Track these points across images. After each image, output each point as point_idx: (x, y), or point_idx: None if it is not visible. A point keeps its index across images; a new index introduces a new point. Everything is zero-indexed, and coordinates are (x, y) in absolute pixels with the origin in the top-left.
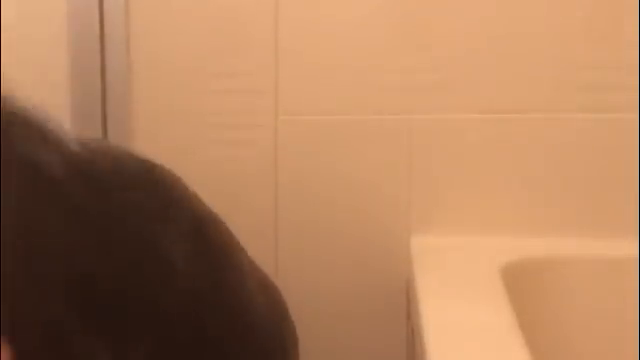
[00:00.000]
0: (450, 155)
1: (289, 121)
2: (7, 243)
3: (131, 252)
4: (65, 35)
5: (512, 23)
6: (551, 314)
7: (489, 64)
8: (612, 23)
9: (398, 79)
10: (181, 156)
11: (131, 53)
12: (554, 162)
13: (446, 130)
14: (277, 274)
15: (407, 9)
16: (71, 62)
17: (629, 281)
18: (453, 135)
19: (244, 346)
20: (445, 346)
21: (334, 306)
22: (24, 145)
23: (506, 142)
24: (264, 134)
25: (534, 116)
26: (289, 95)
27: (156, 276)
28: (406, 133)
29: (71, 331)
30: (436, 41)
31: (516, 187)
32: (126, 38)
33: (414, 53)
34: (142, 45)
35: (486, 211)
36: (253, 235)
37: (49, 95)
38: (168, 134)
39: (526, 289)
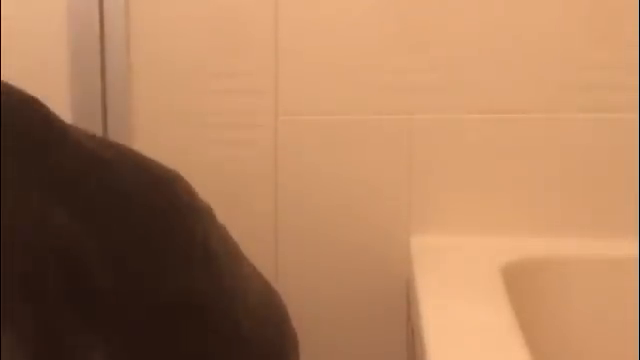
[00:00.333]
0: (450, 155)
1: (289, 121)
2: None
3: (131, 253)
4: (65, 34)
5: (512, 23)
6: (551, 314)
7: (489, 64)
8: (612, 23)
9: (398, 79)
10: (181, 156)
11: (131, 53)
12: (554, 162)
13: (446, 130)
14: (277, 274)
15: (407, 9)
16: (71, 61)
17: (629, 281)
18: (453, 135)
19: (243, 350)
20: (445, 346)
21: (333, 306)
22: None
23: (506, 142)
24: (264, 134)
25: (534, 116)
26: (289, 95)
27: (153, 278)
28: (406, 133)
29: (65, 327)
30: (436, 41)
31: (516, 187)
32: (126, 38)
33: (414, 53)
34: (142, 45)
35: (486, 211)
36: (253, 235)
37: (49, 94)
38: (168, 134)
39: (526, 289)
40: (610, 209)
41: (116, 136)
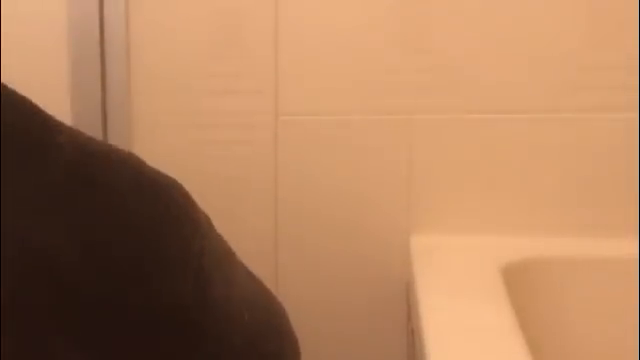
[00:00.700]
0: (450, 155)
1: (289, 121)
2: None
3: (120, 262)
4: (65, 37)
5: (512, 23)
6: (551, 314)
7: (489, 64)
8: (612, 23)
9: (398, 79)
10: (181, 156)
11: (131, 54)
12: (554, 162)
13: (446, 130)
14: (277, 274)
15: (407, 9)
16: (71, 65)
17: (629, 281)
18: (453, 135)
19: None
20: (445, 347)
21: (333, 306)
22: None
23: (506, 142)
24: (264, 134)
25: (534, 116)
26: (289, 95)
27: (143, 289)
28: (406, 133)
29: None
30: (436, 41)
31: (516, 187)
32: (126, 40)
33: (414, 53)
34: (142, 46)
35: (486, 211)
36: (252, 234)
37: (49, 98)
38: (168, 134)
39: (526, 289)
40: (610, 209)
41: (116, 139)
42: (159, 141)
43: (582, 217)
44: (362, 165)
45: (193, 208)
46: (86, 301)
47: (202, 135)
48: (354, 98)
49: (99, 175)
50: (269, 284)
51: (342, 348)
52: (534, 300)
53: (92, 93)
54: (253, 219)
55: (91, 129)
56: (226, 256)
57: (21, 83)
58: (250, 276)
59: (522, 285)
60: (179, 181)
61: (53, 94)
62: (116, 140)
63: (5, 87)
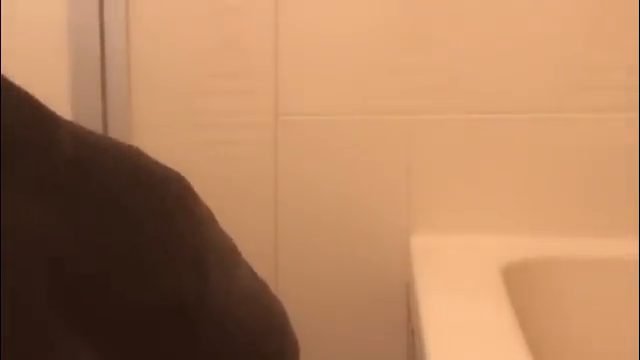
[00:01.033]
0: (450, 155)
1: (289, 121)
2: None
3: (118, 255)
4: (65, 34)
5: (512, 23)
6: (551, 314)
7: (489, 64)
8: (613, 23)
9: (398, 79)
10: (181, 156)
11: (131, 53)
12: (554, 162)
13: (446, 130)
14: (277, 273)
15: (407, 9)
16: (71, 62)
17: (629, 281)
18: (453, 135)
19: (238, 356)
20: (445, 347)
21: (333, 306)
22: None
23: (506, 142)
24: (264, 134)
25: (534, 116)
26: (289, 95)
27: (140, 282)
28: (406, 133)
29: (55, 330)
30: (436, 41)
31: (516, 187)
32: (126, 38)
33: (414, 53)
34: (142, 45)
35: (486, 211)
36: (252, 234)
37: (49, 94)
38: (168, 134)
39: (526, 289)
40: (610, 209)
41: (116, 136)
42: (159, 141)
43: (582, 217)
44: (362, 165)
45: (194, 201)
46: (84, 287)
47: (202, 135)
48: (354, 98)
49: (96, 169)
50: (269, 284)
51: (342, 348)
52: (534, 300)
53: (92, 94)
54: (253, 219)
55: (91, 124)
56: (230, 253)
57: (22, 77)
58: (254, 276)
59: (522, 285)
60: None
61: (53, 96)
62: (116, 135)
63: (5, 79)
